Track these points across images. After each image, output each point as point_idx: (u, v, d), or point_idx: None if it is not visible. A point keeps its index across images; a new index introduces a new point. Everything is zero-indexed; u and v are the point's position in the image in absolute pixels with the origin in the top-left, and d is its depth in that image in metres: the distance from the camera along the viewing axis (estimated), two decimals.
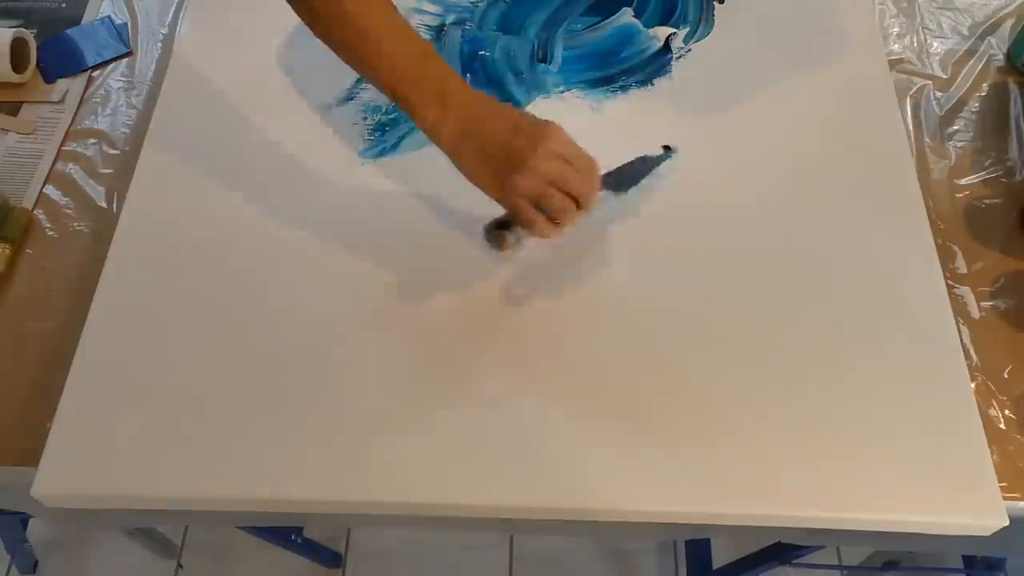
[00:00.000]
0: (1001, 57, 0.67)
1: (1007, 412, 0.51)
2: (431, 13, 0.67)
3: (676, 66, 0.64)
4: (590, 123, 0.61)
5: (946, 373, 0.50)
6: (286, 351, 0.51)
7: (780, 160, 0.59)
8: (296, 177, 0.58)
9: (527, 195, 0.46)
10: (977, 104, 0.65)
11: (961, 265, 0.57)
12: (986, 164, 0.61)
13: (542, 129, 0.46)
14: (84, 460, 0.47)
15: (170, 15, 0.70)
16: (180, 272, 0.54)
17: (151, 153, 0.59)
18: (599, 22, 0.67)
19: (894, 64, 0.66)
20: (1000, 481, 0.47)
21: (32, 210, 0.59)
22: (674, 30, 0.66)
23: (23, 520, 0.89)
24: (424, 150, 0.59)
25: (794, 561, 0.78)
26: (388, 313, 0.52)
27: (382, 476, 0.47)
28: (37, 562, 1.05)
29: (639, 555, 1.09)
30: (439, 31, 0.66)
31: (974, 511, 0.46)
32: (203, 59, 0.64)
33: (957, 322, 0.52)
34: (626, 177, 0.55)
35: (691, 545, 1.02)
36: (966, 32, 0.69)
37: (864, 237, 0.55)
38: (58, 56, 0.67)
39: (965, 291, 0.56)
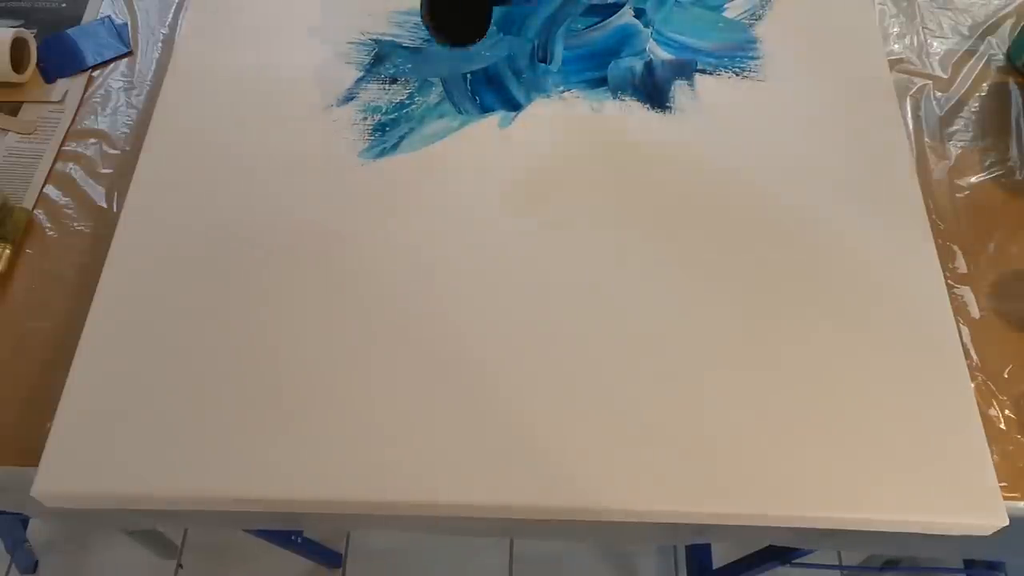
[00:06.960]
0: (1001, 57, 0.67)
1: (1007, 412, 0.51)
2: None
3: None
4: (590, 123, 0.61)
5: (946, 373, 0.50)
6: (286, 351, 0.51)
7: (779, 160, 0.59)
8: (296, 177, 0.58)
9: None
10: (977, 104, 0.65)
11: (961, 265, 0.57)
12: (986, 164, 0.61)
13: None
14: (84, 460, 0.47)
15: (170, 15, 0.70)
16: (180, 272, 0.54)
17: (151, 153, 0.59)
18: (600, 22, 0.67)
19: (894, 64, 0.66)
20: (1000, 481, 0.47)
21: (32, 210, 0.59)
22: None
23: (23, 520, 0.90)
24: (424, 150, 0.60)
25: (794, 561, 0.78)
26: (388, 313, 0.52)
27: (382, 476, 0.47)
28: (37, 562, 1.05)
29: (639, 556, 1.09)
30: None
31: (974, 511, 0.46)
32: (203, 59, 0.64)
33: (957, 322, 0.52)
34: None
35: (691, 545, 1.02)
36: (966, 32, 0.69)
37: (864, 237, 0.55)
38: (58, 56, 0.67)
39: (965, 291, 0.56)
